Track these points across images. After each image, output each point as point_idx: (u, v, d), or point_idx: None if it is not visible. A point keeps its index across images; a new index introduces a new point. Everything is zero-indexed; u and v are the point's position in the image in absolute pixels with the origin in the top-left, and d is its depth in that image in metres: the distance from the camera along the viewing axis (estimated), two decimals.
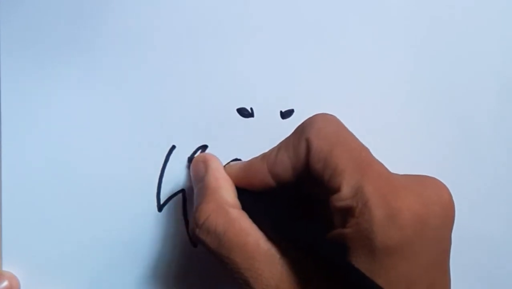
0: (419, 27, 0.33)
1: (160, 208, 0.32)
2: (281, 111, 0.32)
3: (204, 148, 0.32)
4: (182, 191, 0.32)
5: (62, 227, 0.31)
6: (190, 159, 0.31)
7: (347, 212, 0.23)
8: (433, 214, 0.23)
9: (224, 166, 0.29)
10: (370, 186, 0.23)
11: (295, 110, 0.32)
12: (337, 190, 0.23)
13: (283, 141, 0.27)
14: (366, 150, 0.25)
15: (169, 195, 0.32)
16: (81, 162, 0.31)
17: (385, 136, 0.33)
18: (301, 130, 0.26)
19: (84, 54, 0.31)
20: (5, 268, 0.31)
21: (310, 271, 0.24)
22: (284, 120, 0.32)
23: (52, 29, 0.31)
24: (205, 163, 0.29)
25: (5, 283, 0.30)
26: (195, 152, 0.31)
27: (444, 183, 0.25)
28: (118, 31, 0.31)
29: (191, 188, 0.32)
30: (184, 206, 0.32)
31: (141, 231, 0.31)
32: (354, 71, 0.33)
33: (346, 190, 0.23)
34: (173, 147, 0.31)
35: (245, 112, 0.32)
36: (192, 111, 0.32)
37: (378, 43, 0.33)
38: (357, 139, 0.25)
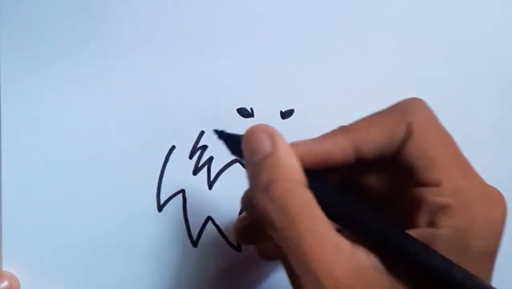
0: (420, 28, 0.33)
1: (160, 208, 0.32)
2: (281, 111, 0.32)
3: (204, 148, 0.32)
4: (182, 191, 0.32)
5: (62, 227, 0.31)
6: (220, 132, 0.27)
7: (442, 210, 0.22)
8: (503, 228, 0.23)
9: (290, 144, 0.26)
10: (473, 190, 0.22)
11: (295, 110, 0.32)
12: (435, 184, 0.22)
13: (374, 117, 0.25)
14: (459, 148, 0.24)
15: (169, 195, 0.32)
16: (81, 162, 0.31)
17: None
18: (402, 112, 0.24)
19: (84, 54, 0.31)
20: (5, 268, 0.31)
21: (382, 266, 0.22)
22: (284, 120, 0.32)
23: (52, 29, 0.31)
24: (272, 136, 0.25)
25: (5, 283, 0.30)
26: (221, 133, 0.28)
27: None
28: (118, 31, 0.31)
29: (191, 188, 0.32)
30: (184, 206, 0.32)
31: (141, 231, 0.31)
32: (354, 72, 0.33)
33: (447, 186, 0.22)
34: (173, 147, 0.31)
35: (245, 112, 0.32)
36: (192, 111, 0.32)
37: (379, 43, 0.33)
38: (449, 134, 0.24)
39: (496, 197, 0.23)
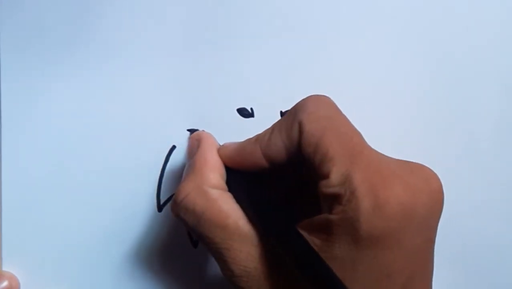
0: (420, 28, 0.33)
1: (160, 208, 0.32)
2: (281, 112, 0.32)
3: None
4: None
5: (62, 227, 0.31)
6: (192, 131, 0.31)
7: (335, 199, 0.23)
8: (420, 203, 0.22)
9: (219, 147, 0.28)
10: (359, 175, 0.22)
11: None
12: (326, 176, 0.23)
13: (276, 123, 0.26)
14: (357, 134, 0.24)
15: (169, 195, 0.32)
16: (81, 162, 0.31)
17: (385, 137, 0.33)
18: (294, 113, 0.25)
19: (84, 54, 0.31)
20: (5, 268, 0.31)
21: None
22: None
23: (52, 29, 0.31)
24: (199, 141, 0.28)
25: (5, 283, 0.30)
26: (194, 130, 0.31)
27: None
28: (118, 31, 0.31)
29: None
30: None
31: (141, 231, 0.31)
32: (354, 72, 0.33)
33: (335, 177, 0.23)
34: (173, 147, 0.31)
35: (245, 112, 0.32)
36: (192, 111, 0.32)
37: (379, 44, 0.33)
38: (349, 122, 0.25)
39: (398, 178, 0.23)
